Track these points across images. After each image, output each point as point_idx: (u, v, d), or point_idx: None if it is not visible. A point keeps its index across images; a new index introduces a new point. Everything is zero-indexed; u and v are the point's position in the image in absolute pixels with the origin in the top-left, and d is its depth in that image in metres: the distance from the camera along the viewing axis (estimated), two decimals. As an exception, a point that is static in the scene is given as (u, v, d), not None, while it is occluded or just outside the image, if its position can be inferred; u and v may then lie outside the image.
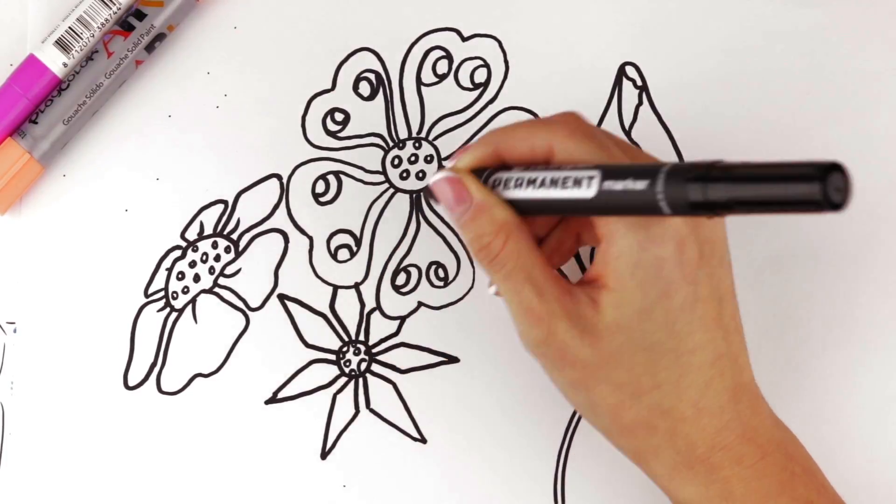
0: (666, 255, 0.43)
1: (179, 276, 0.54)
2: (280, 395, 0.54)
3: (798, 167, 0.35)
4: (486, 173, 0.46)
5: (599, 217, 0.44)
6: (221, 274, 0.54)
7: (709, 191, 0.37)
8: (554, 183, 0.44)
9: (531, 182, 0.45)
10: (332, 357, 0.54)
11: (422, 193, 0.54)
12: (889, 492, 0.52)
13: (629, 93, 0.55)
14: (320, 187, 0.55)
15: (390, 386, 0.54)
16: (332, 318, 0.54)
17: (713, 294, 0.44)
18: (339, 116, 0.55)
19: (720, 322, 0.45)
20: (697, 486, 0.45)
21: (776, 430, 0.46)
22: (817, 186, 0.34)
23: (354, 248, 0.54)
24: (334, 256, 0.54)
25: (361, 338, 0.54)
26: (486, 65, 0.55)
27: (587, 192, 0.42)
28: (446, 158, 0.55)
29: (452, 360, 0.54)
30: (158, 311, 0.54)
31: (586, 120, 0.46)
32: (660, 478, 0.46)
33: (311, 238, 0.54)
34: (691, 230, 0.43)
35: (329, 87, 0.55)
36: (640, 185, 0.40)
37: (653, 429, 0.45)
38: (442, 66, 0.55)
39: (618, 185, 0.41)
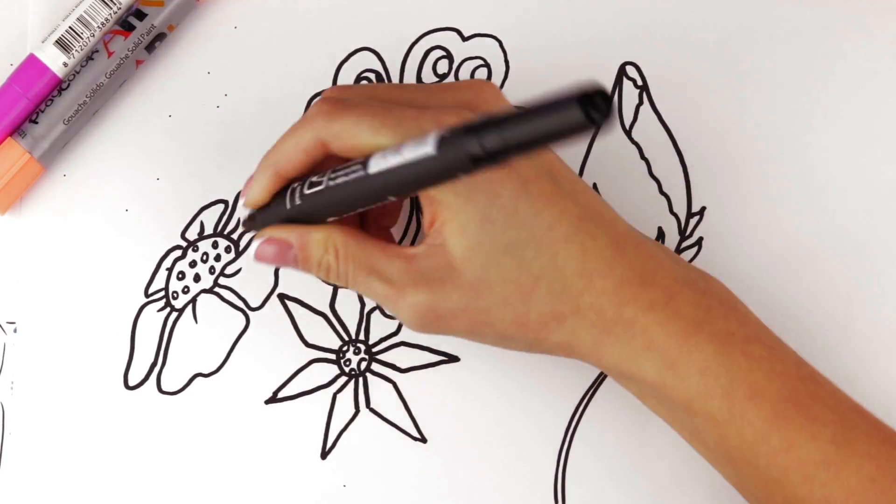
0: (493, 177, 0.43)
1: (180, 275, 0.54)
2: (280, 395, 0.54)
3: (559, 96, 0.35)
4: (286, 196, 0.46)
5: None
6: (222, 274, 0.54)
7: (484, 141, 0.37)
8: (337, 181, 0.43)
9: (327, 192, 0.44)
10: (332, 357, 0.54)
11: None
12: (889, 491, 0.52)
13: (629, 92, 0.55)
14: (320, 187, 0.55)
15: (390, 385, 0.54)
16: (332, 317, 0.54)
17: (539, 171, 0.44)
18: (339, 116, 0.55)
19: (561, 190, 0.44)
20: (621, 345, 0.44)
21: (678, 268, 0.45)
22: (578, 112, 0.34)
23: (355, 248, 0.54)
24: (334, 256, 0.54)
25: (361, 337, 0.54)
26: (487, 65, 0.55)
27: (369, 180, 0.42)
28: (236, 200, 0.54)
29: (452, 359, 0.54)
30: (159, 310, 0.54)
31: (338, 91, 0.45)
32: (589, 356, 0.45)
33: (311, 238, 0.54)
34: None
35: (329, 86, 0.55)
36: (419, 156, 0.39)
37: (559, 317, 0.44)
38: (442, 66, 0.55)
39: (406, 175, 0.41)
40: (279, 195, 0.46)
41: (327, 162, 0.45)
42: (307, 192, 0.45)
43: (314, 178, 0.45)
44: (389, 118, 0.43)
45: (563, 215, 0.44)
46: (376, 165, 0.42)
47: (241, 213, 0.48)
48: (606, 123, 0.34)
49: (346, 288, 0.46)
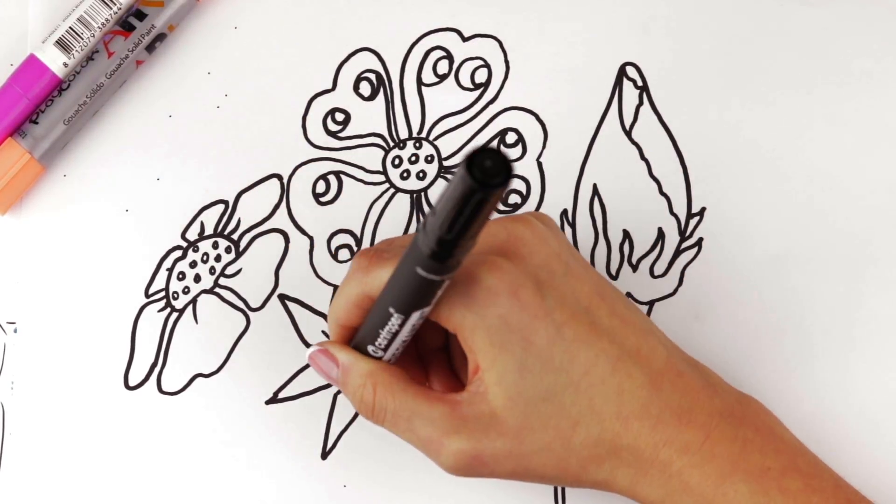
0: (503, 310, 0.43)
1: (180, 276, 0.54)
2: (281, 395, 0.54)
3: (458, 171, 0.36)
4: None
5: (441, 319, 0.44)
6: (222, 274, 0.54)
7: (425, 244, 0.39)
8: (370, 318, 0.45)
9: (362, 329, 0.46)
10: (333, 357, 0.54)
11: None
12: (889, 492, 0.52)
13: (629, 93, 0.55)
14: (321, 187, 0.55)
15: (391, 386, 0.54)
16: (332, 318, 0.54)
17: (576, 309, 0.44)
18: (339, 116, 0.55)
19: (598, 330, 0.44)
20: (657, 487, 0.45)
21: (715, 401, 0.46)
22: (468, 179, 0.35)
23: (355, 248, 0.54)
24: (335, 256, 0.55)
25: (362, 338, 0.54)
26: (487, 65, 0.55)
27: (395, 319, 0.44)
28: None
29: (453, 360, 0.54)
30: (159, 311, 0.54)
31: (376, 247, 0.46)
32: (627, 493, 0.46)
33: (311, 238, 0.54)
34: (515, 270, 0.44)
35: (329, 87, 0.55)
36: (401, 269, 0.42)
37: (598, 460, 0.45)
38: (442, 66, 0.55)
39: (393, 298, 0.43)
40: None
41: None
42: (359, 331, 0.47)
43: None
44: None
45: (599, 357, 0.44)
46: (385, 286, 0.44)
47: (310, 350, 0.49)
48: (505, 182, 0.35)
49: (383, 427, 0.47)
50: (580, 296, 0.45)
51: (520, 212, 0.54)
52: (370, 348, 0.46)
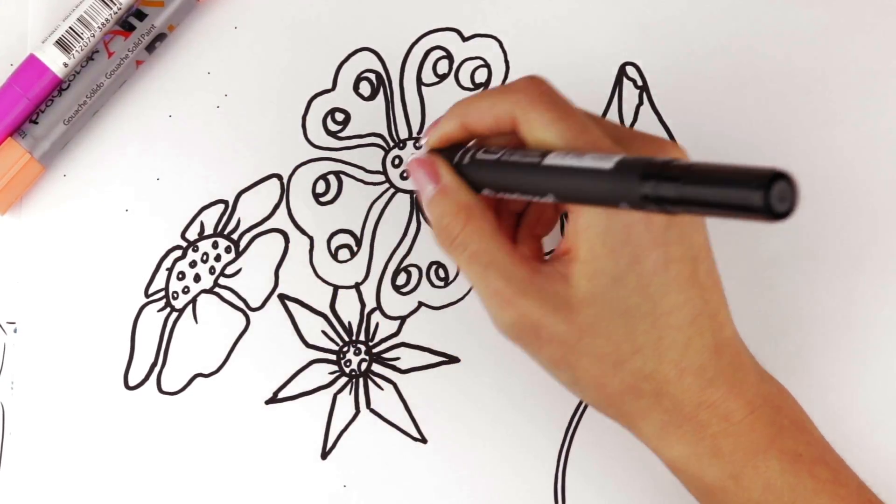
0: (633, 220, 0.43)
1: (180, 276, 0.54)
2: (280, 395, 0.54)
3: (745, 173, 0.35)
4: (461, 151, 0.47)
5: None
6: (222, 274, 0.54)
7: (661, 188, 0.37)
8: (515, 169, 0.44)
9: (496, 164, 0.45)
10: (333, 357, 0.54)
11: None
12: (889, 492, 0.52)
13: (629, 93, 0.55)
14: (321, 187, 0.55)
15: (391, 386, 0.54)
16: (332, 318, 0.54)
17: (686, 254, 0.44)
18: (339, 116, 0.55)
19: (695, 281, 0.44)
20: (686, 444, 0.45)
21: (763, 384, 0.46)
22: (760, 194, 0.34)
23: (355, 248, 0.54)
24: (335, 256, 0.55)
25: (362, 338, 0.54)
26: (487, 65, 0.55)
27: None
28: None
29: (453, 360, 0.54)
30: (159, 311, 0.54)
31: (550, 84, 0.45)
32: (649, 438, 0.46)
33: (311, 238, 0.54)
34: None
35: (329, 87, 0.55)
36: (594, 167, 0.40)
37: (638, 392, 0.45)
38: (442, 66, 0.55)
39: (574, 179, 0.41)
40: (452, 149, 0.47)
41: (493, 140, 0.46)
42: (479, 156, 0.45)
43: (489, 148, 0.45)
44: (586, 136, 0.43)
45: (686, 305, 0.44)
46: (552, 160, 0.42)
47: (416, 153, 0.48)
48: (789, 216, 0.34)
49: (454, 261, 0.46)
50: (695, 242, 0.45)
51: None
52: (487, 190, 0.45)
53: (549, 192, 0.42)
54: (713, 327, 0.45)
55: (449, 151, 0.47)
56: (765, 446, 0.45)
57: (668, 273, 0.44)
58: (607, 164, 0.40)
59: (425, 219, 0.55)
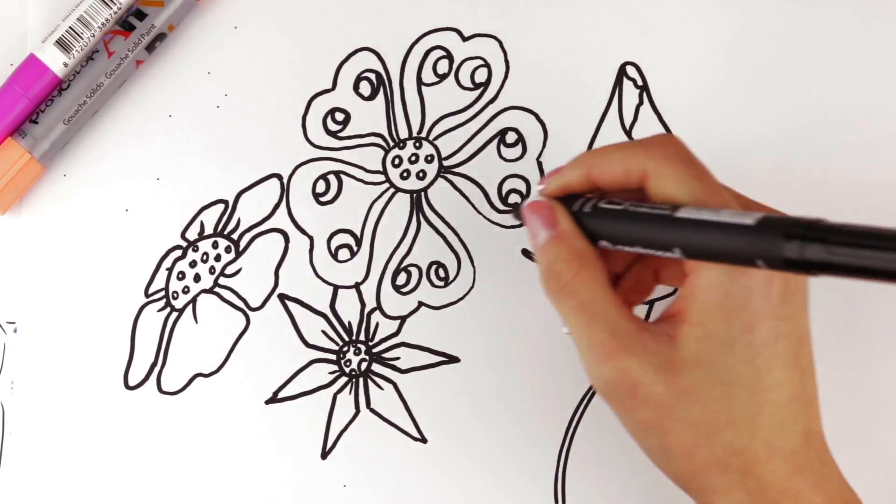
0: (754, 287, 0.42)
1: (180, 275, 0.54)
2: (280, 395, 0.54)
3: None
4: (579, 201, 0.46)
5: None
6: (222, 274, 0.54)
7: (805, 250, 0.36)
8: (641, 221, 0.43)
9: (622, 214, 0.44)
10: (333, 357, 0.54)
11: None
12: (889, 492, 0.52)
13: (630, 93, 0.55)
14: (321, 187, 0.55)
15: (391, 386, 0.54)
16: (332, 317, 0.54)
17: (794, 332, 0.43)
18: (339, 116, 0.55)
19: (798, 363, 0.43)
20: None
21: (844, 489, 0.45)
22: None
23: (355, 248, 0.54)
24: (335, 256, 0.55)
25: (362, 337, 0.54)
26: (487, 64, 0.55)
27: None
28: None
29: (453, 360, 0.54)
30: (159, 310, 0.54)
31: (684, 144, 0.45)
32: None
33: (311, 238, 0.55)
34: None
35: (329, 86, 0.55)
36: (734, 222, 0.39)
37: (725, 468, 0.43)
38: (442, 66, 0.55)
39: (710, 233, 0.40)
40: (568, 199, 0.46)
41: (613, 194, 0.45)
42: (603, 205, 0.44)
43: (613, 199, 0.44)
44: (719, 198, 0.43)
45: (786, 385, 0.43)
46: (686, 213, 0.41)
47: (531, 197, 0.47)
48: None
49: (555, 305, 0.45)
50: (801, 324, 0.44)
51: None
52: (605, 242, 0.44)
53: (677, 246, 0.41)
54: (807, 415, 0.44)
55: (564, 200, 0.46)
56: None
57: (777, 348, 0.43)
58: (748, 220, 0.39)
59: (425, 219, 0.55)
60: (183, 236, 0.54)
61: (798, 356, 0.43)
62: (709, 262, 0.42)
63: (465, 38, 0.56)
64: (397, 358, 0.54)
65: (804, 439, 0.44)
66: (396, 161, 0.55)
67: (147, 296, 0.54)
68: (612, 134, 0.55)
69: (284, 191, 0.55)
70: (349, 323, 0.54)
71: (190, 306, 0.54)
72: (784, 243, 0.37)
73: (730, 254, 0.40)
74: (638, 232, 0.43)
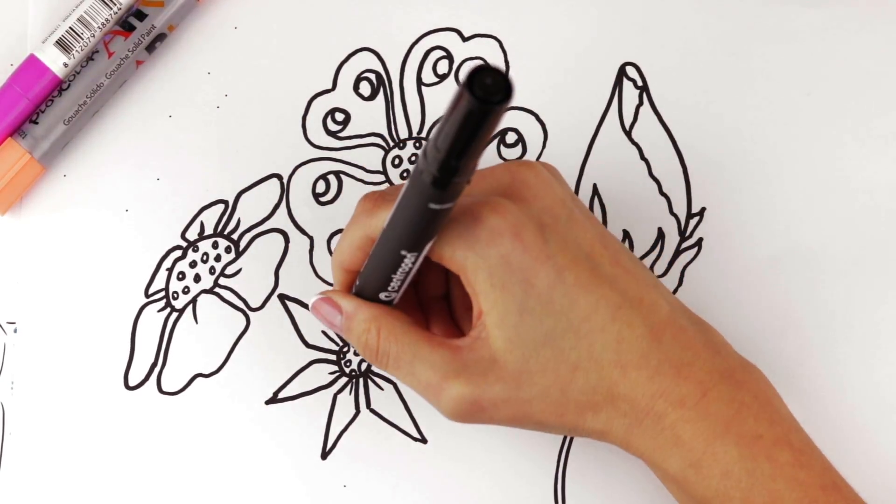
0: (504, 251, 0.43)
1: (180, 276, 0.54)
2: (280, 395, 0.54)
3: (458, 91, 0.36)
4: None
5: (443, 261, 0.44)
6: (222, 274, 0.54)
7: (429, 164, 0.38)
8: (375, 260, 0.45)
9: (366, 272, 0.46)
10: (333, 357, 0.54)
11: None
12: (889, 492, 0.52)
13: (629, 93, 0.55)
14: (321, 187, 0.55)
15: (391, 386, 0.54)
16: (332, 318, 0.54)
17: (577, 254, 0.44)
18: (339, 116, 0.55)
19: (599, 276, 0.44)
20: (649, 438, 0.44)
21: (718, 359, 0.45)
22: (467, 95, 0.35)
23: (355, 248, 0.54)
24: (335, 256, 0.54)
25: (362, 338, 0.54)
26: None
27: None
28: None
29: (453, 360, 0.54)
30: (159, 311, 0.54)
31: (380, 191, 0.46)
32: (621, 445, 0.45)
33: (311, 238, 0.55)
34: (508, 221, 0.43)
35: (329, 87, 0.55)
36: (406, 203, 0.41)
37: (595, 408, 0.44)
38: (442, 66, 0.55)
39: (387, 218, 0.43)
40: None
41: None
42: (360, 275, 0.47)
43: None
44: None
45: (600, 303, 0.44)
46: (385, 224, 0.43)
47: (312, 299, 0.49)
48: (507, 98, 0.35)
49: (385, 372, 0.47)
50: (582, 242, 0.44)
51: None
52: (382, 294, 0.46)
53: (403, 251, 0.43)
54: (642, 314, 0.44)
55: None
56: (722, 430, 0.44)
57: (565, 282, 0.43)
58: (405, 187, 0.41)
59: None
60: (183, 236, 0.54)
61: (596, 270, 0.44)
62: (426, 242, 0.43)
63: (465, 39, 0.56)
64: (397, 358, 0.54)
65: (650, 338, 0.44)
66: (396, 161, 0.55)
67: (147, 296, 0.54)
68: (611, 134, 0.55)
69: (284, 191, 0.55)
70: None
71: (190, 306, 0.54)
72: (422, 173, 0.39)
73: (418, 217, 0.41)
74: (381, 270, 0.45)
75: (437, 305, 0.49)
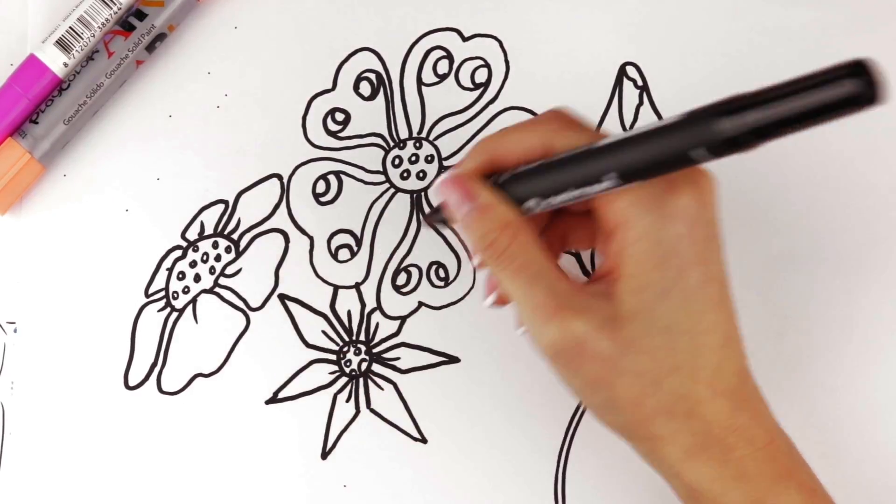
0: (682, 233, 0.43)
1: (180, 276, 0.54)
2: (280, 395, 0.54)
3: (828, 72, 0.34)
4: (491, 177, 0.46)
5: (610, 208, 0.43)
6: (222, 274, 0.54)
7: (745, 118, 0.36)
8: (567, 163, 0.43)
9: (542, 168, 0.44)
10: (333, 357, 0.54)
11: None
12: (888, 492, 0.52)
13: (630, 93, 0.55)
14: (321, 187, 0.55)
15: (391, 386, 0.54)
16: (332, 318, 0.54)
17: (719, 274, 0.44)
18: (339, 116, 0.55)
19: (724, 304, 0.44)
20: (712, 467, 0.44)
21: (774, 420, 0.46)
22: (860, 82, 0.33)
23: (355, 248, 0.55)
24: (335, 256, 0.55)
25: (362, 338, 0.54)
26: (487, 65, 0.55)
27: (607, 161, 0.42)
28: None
29: (453, 360, 0.54)
30: (159, 311, 0.54)
31: (576, 113, 0.46)
32: (672, 462, 0.45)
33: (311, 238, 0.55)
34: (699, 210, 0.43)
35: (330, 86, 0.55)
36: (666, 136, 0.39)
37: (672, 414, 0.44)
38: (442, 66, 0.55)
39: (641, 144, 0.40)
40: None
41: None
42: (519, 169, 0.45)
43: (526, 166, 0.45)
44: None
45: (720, 327, 0.44)
46: (609, 140, 0.41)
47: (442, 176, 0.46)
48: (885, 100, 0.33)
49: (497, 272, 0.45)
50: (723, 267, 0.45)
51: None
52: (532, 201, 0.44)
53: (610, 172, 0.41)
54: (738, 354, 0.45)
55: None
56: (785, 475, 0.45)
57: (707, 292, 0.43)
58: (675, 118, 0.39)
59: (424, 219, 0.55)
60: (183, 236, 0.54)
61: (725, 297, 0.44)
62: (644, 178, 0.42)
63: (465, 39, 0.56)
64: (397, 358, 0.54)
65: (739, 378, 0.45)
66: (396, 161, 0.55)
67: (147, 296, 0.54)
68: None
69: (284, 191, 0.55)
70: (349, 323, 0.54)
71: (190, 306, 0.54)
72: (718, 123, 0.37)
73: (666, 157, 0.39)
74: (561, 178, 0.43)
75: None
